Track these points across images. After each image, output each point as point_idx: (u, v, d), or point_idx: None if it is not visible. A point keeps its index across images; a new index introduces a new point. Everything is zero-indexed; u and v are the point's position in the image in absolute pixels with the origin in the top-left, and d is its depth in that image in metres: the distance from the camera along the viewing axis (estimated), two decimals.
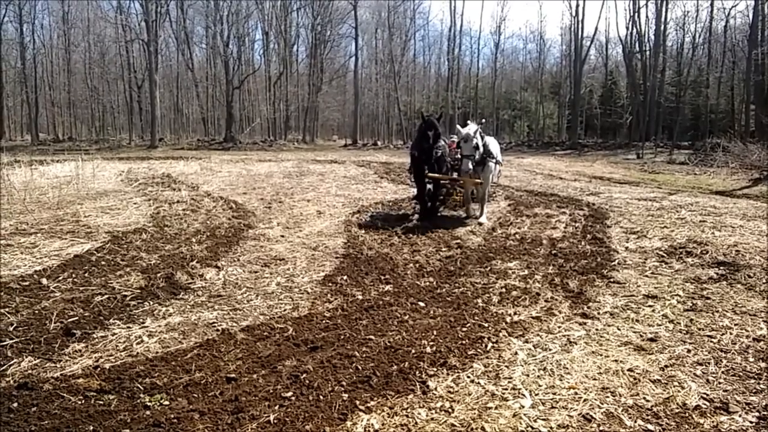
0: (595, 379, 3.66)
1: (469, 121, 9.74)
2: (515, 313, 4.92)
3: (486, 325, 4.64)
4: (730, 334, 4.41)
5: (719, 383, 3.61)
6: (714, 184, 16.39)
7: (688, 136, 38.00)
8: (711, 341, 4.28)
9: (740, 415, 3.22)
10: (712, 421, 3.16)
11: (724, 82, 39.69)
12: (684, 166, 23.01)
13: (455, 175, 9.69)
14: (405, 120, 47.26)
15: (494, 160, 9.50)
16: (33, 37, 45.40)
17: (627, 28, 40.78)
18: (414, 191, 10.16)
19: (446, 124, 40.76)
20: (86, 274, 5.90)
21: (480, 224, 8.95)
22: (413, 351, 4.07)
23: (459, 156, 9.22)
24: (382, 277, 6.10)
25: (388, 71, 48.35)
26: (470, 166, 8.74)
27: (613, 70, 48.96)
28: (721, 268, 6.28)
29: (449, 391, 3.52)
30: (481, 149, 9.08)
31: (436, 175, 9.15)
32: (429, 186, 9.57)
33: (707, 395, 3.44)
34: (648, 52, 38.90)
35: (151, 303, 5.18)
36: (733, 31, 38.70)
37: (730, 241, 7.46)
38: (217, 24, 42.25)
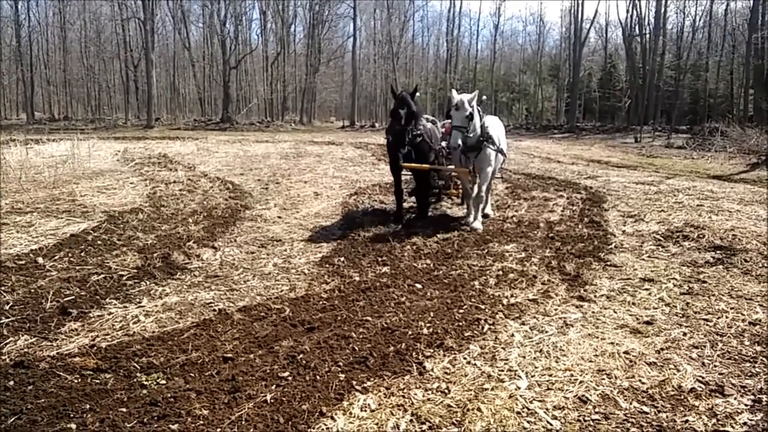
0: (591, 362, 3.68)
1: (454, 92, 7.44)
2: (512, 296, 4.93)
3: (483, 307, 4.65)
4: (726, 317, 4.43)
5: (715, 366, 3.62)
6: (711, 169, 16.38)
7: (687, 120, 37.82)
8: (707, 324, 4.30)
9: (735, 398, 3.23)
10: (707, 404, 3.17)
11: (724, 66, 39.47)
12: (682, 150, 22.98)
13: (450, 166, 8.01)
14: None
15: (495, 148, 7.55)
16: (28, 15, 44.83)
17: (627, 11, 40.80)
18: (409, 176, 8.75)
19: (442, 108, 40.58)
20: (82, 254, 5.88)
21: (473, 230, 7.35)
22: (410, 332, 4.08)
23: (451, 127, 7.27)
24: (379, 259, 6.10)
25: (386, 52, 47.89)
26: (459, 142, 6.99)
27: (613, 53, 48.58)
28: (718, 252, 6.29)
29: (446, 372, 3.53)
30: (478, 130, 7.30)
31: (412, 164, 7.53)
32: (408, 177, 8.03)
33: (703, 378, 3.46)
34: (648, 35, 38.55)
35: (148, 283, 5.18)
36: (734, 15, 38.40)
37: (727, 225, 7.47)
38: (214, 3, 41.70)
